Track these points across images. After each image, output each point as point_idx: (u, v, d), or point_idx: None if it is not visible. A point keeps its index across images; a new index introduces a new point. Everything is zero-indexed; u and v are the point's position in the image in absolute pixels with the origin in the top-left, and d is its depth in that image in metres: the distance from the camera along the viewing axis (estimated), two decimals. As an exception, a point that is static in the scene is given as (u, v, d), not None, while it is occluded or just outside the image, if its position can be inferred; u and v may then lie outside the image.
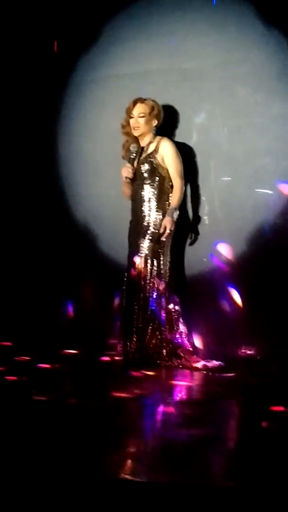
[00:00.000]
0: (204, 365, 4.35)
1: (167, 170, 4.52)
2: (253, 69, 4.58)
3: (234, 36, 4.64)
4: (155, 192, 4.53)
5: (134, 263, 4.52)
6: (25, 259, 5.36)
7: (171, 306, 4.53)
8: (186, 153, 4.64)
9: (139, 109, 4.55)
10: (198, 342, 4.65)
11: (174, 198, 4.48)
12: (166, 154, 4.49)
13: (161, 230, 4.44)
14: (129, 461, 2.52)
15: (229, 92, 4.66)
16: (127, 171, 4.54)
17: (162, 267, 4.52)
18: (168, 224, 4.43)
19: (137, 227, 4.57)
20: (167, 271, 4.54)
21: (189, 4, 4.75)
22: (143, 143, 4.62)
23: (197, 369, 4.33)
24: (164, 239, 4.47)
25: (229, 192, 4.66)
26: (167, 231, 4.43)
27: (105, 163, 5.07)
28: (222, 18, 4.66)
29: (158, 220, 4.51)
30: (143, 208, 4.55)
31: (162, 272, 4.51)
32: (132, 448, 2.71)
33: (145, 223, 4.53)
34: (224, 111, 4.66)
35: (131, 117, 4.57)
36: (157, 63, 4.88)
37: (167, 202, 4.55)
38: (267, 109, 4.54)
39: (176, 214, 4.46)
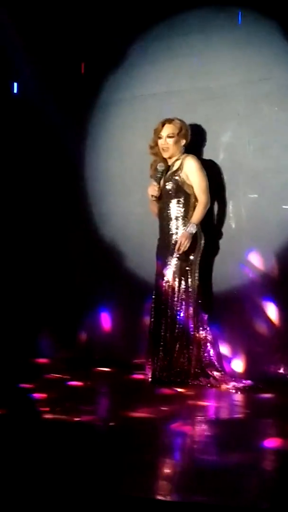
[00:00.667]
0: (234, 385, 4.32)
1: (192, 187, 4.55)
2: (277, 86, 4.59)
3: (258, 54, 4.65)
4: (182, 210, 4.54)
5: (162, 281, 4.53)
6: (53, 277, 5.41)
7: (199, 324, 4.53)
8: (213, 171, 4.65)
9: (167, 130, 4.59)
10: (227, 360, 4.62)
11: (196, 213, 4.48)
12: (190, 171, 4.51)
13: (177, 245, 4.44)
14: (161, 482, 2.51)
15: (254, 110, 4.67)
16: (153, 189, 4.57)
17: (190, 284, 4.52)
18: (183, 238, 4.43)
19: (164, 245, 4.59)
20: (196, 288, 4.54)
21: (213, 23, 4.79)
22: (170, 161, 4.65)
23: (226, 388, 4.31)
24: (178, 254, 4.45)
25: (256, 209, 4.65)
26: (183, 245, 4.42)
27: (131, 182, 5.11)
28: (246, 36, 4.69)
29: (181, 239, 4.52)
30: (170, 226, 4.56)
31: (190, 289, 4.51)
32: (164, 468, 2.69)
33: (173, 241, 4.54)
34: (250, 129, 4.67)
35: (160, 138, 4.61)
36: (182, 83, 4.92)
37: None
38: (292, 126, 4.54)
39: (194, 228, 4.45)
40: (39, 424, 3.29)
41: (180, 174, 4.55)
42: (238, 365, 4.61)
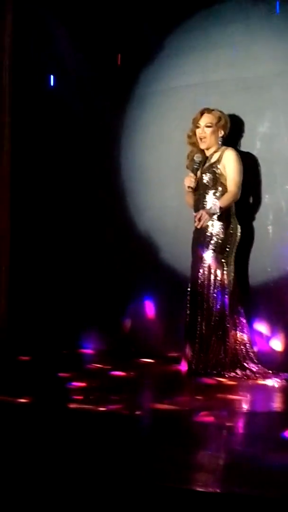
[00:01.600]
0: (271, 377, 4.29)
1: (229, 179, 4.52)
2: (316, 76, 4.52)
3: (296, 44, 4.59)
4: (218, 202, 4.52)
5: (198, 273, 4.52)
6: (90, 270, 5.44)
7: (235, 316, 4.50)
8: (250, 162, 4.60)
9: (206, 119, 4.56)
10: (264, 354, 4.58)
11: (223, 199, 4.41)
12: (228, 163, 4.47)
13: (197, 218, 4.38)
14: (201, 473, 2.50)
15: (292, 100, 4.61)
16: (189, 180, 4.55)
17: (225, 277, 4.49)
18: (202, 215, 4.36)
19: (200, 237, 4.57)
20: (231, 281, 4.51)
21: (251, 13, 4.73)
22: (207, 153, 4.62)
23: (262, 380, 4.27)
24: (198, 227, 4.39)
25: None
26: (202, 219, 4.36)
27: (167, 174, 5.09)
28: (284, 26, 4.62)
29: (222, 230, 4.49)
30: (206, 218, 4.54)
31: (226, 282, 4.48)
32: (203, 459, 2.69)
33: (208, 233, 4.52)
34: (287, 120, 4.60)
35: (198, 127, 4.58)
36: (218, 73, 4.88)
37: (231, 213, 4.53)
38: None
39: (216, 210, 4.38)
40: (66, 413, 3.30)
41: (218, 166, 4.51)
42: (276, 358, 4.57)
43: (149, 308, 5.17)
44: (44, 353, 5.05)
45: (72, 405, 3.45)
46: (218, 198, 4.50)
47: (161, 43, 5.09)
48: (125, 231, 5.30)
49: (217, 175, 4.50)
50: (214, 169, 4.52)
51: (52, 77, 5.68)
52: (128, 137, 5.30)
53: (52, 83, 5.68)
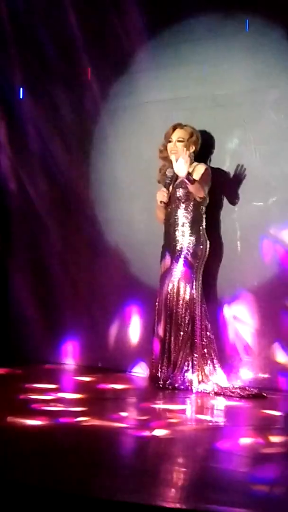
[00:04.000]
0: (238, 393, 4.30)
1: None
2: (285, 94, 4.58)
3: (266, 62, 4.64)
4: (189, 217, 4.54)
5: (167, 287, 4.52)
6: (56, 283, 5.40)
7: (203, 331, 4.51)
8: (220, 178, 4.64)
9: (178, 134, 4.60)
10: (230, 367, 4.60)
11: (195, 186, 4.41)
12: (197, 174, 4.50)
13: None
14: (167, 489, 2.48)
15: (260, 118, 4.66)
16: (162, 195, 4.57)
17: (194, 291, 4.50)
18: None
19: (169, 251, 4.58)
20: (199, 295, 4.52)
21: (221, 31, 4.78)
22: (179, 168, 4.65)
23: (229, 395, 4.28)
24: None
25: (261, 217, 4.64)
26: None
27: (137, 188, 5.10)
28: (254, 44, 4.68)
29: (192, 245, 4.51)
30: (176, 233, 4.55)
31: (194, 296, 4.50)
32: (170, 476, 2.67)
33: (178, 247, 4.53)
34: (257, 137, 4.66)
35: (170, 141, 4.61)
36: (188, 90, 4.91)
37: (201, 227, 4.56)
38: (299, 134, 4.54)
39: (191, 179, 4.39)
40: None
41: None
42: (243, 372, 4.59)
43: (116, 322, 5.15)
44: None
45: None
46: (189, 213, 4.53)
47: (132, 58, 5.11)
48: (94, 245, 5.29)
49: (189, 190, 4.53)
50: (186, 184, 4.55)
51: (21, 89, 5.65)
52: (98, 151, 5.29)
53: (21, 95, 5.65)
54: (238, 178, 4.63)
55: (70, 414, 3.57)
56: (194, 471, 2.74)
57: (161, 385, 4.41)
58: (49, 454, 2.83)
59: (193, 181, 4.40)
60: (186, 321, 4.47)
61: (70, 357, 5.33)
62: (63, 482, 2.46)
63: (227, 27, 4.77)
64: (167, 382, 4.40)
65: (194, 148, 4.62)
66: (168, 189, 4.58)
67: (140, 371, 4.90)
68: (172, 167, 4.61)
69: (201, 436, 3.37)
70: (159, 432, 3.29)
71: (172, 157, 4.55)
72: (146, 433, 3.27)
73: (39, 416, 3.47)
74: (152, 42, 5.03)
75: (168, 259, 4.59)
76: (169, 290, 4.52)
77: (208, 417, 3.86)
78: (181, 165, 4.36)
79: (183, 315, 4.49)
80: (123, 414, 3.67)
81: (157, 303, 4.61)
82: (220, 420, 3.86)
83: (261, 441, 3.20)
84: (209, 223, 4.62)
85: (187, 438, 3.30)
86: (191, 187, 4.43)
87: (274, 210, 4.59)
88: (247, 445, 3.17)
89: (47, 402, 3.85)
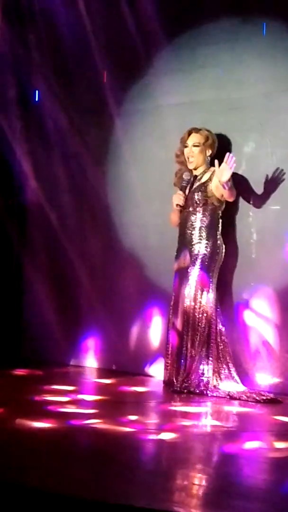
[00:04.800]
0: (253, 397, 4.28)
1: (218, 200, 4.55)
2: (302, 98, 4.57)
3: (282, 65, 4.64)
4: (206, 221, 4.54)
5: (183, 291, 4.52)
6: (73, 286, 5.42)
7: (218, 336, 4.50)
8: (235, 182, 4.63)
9: (193, 139, 4.59)
10: (246, 373, 4.58)
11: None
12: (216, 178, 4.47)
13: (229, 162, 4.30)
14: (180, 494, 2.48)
15: (277, 121, 4.65)
16: (178, 198, 4.56)
17: (210, 295, 4.50)
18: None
19: (183, 255, 4.57)
20: (214, 299, 4.52)
21: (238, 34, 4.78)
22: (196, 172, 4.65)
23: (245, 399, 4.27)
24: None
25: (278, 221, 4.62)
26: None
27: (152, 192, 5.10)
28: (270, 48, 4.67)
29: (208, 249, 4.51)
30: (192, 237, 4.55)
31: (210, 301, 4.49)
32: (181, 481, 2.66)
33: (195, 251, 4.53)
34: (273, 140, 4.64)
35: (186, 147, 4.61)
36: (205, 93, 4.91)
37: (218, 232, 4.56)
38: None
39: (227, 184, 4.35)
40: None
41: (210, 185, 4.54)
42: (259, 377, 4.57)
43: (131, 325, 5.15)
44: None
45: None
46: (206, 217, 4.53)
47: (149, 61, 5.11)
48: (110, 248, 5.30)
49: (207, 194, 4.53)
50: (205, 188, 4.54)
51: (37, 92, 5.68)
52: (114, 154, 5.30)
53: (37, 98, 5.68)
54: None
55: (82, 417, 3.57)
56: (211, 476, 2.73)
57: (177, 389, 4.40)
58: (54, 457, 2.83)
59: (230, 187, 4.37)
60: (203, 325, 4.47)
61: (85, 359, 5.34)
62: (68, 484, 2.45)
63: (243, 31, 4.77)
64: (183, 386, 4.40)
65: (210, 151, 4.62)
66: (184, 193, 4.58)
67: (156, 374, 4.88)
68: (189, 171, 4.60)
69: (216, 441, 3.36)
70: (172, 436, 3.29)
71: (190, 165, 4.55)
72: (159, 437, 3.27)
73: (50, 418, 3.47)
74: (169, 45, 5.03)
75: (182, 259, 4.58)
76: (185, 294, 4.52)
77: (223, 422, 3.84)
78: (226, 170, 4.32)
79: (199, 319, 4.48)
80: (135, 417, 3.65)
81: (171, 307, 4.60)
82: (235, 425, 3.84)
83: (276, 446, 3.18)
84: (224, 227, 4.61)
85: (201, 443, 3.28)
86: (226, 193, 4.40)
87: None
88: (262, 450, 3.15)
89: (61, 404, 3.86)
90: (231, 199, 4.50)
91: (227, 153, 4.34)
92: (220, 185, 4.38)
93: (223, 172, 4.31)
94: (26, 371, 4.95)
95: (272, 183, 4.59)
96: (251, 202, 4.66)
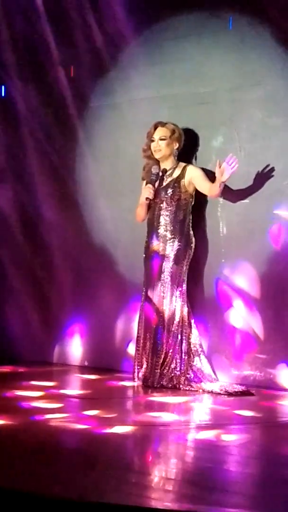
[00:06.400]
0: (225, 390, 4.32)
1: (190, 196, 4.58)
2: (269, 92, 4.59)
3: (250, 59, 4.65)
4: (177, 216, 4.55)
5: (153, 286, 4.53)
6: (42, 282, 5.39)
7: (189, 329, 4.53)
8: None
9: (160, 132, 4.60)
10: (218, 365, 4.62)
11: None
12: (196, 176, 4.53)
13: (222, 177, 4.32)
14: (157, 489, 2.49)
15: (245, 116, 4.67)
16: (148, 191, 4.56)
17: (181, 290, 4.52)
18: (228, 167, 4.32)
19: (152, 250, 4.58)
20: (185, 294, 4.54)
21: (204, 28, 4.78)
22: (164, 166, 4.65)
23: (217, 393, 4.30)
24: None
25: (247, 215, 4.66)
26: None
27: (122, 187, 5.09)
28: (238, 42, 4.68)
29: (180, 244, 4.53)
30: (160, 232, 4.56)
31: (181, 295, 4.51)
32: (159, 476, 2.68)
33: (166, 246, 4.54)
34: (241, 134, 4.67)
35: (152, 141, 4.61)
36: (173, 88, 4.91)
37: (188, 227, 4.58)
38: (284, 132, 4.55)
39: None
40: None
41: (182, 181, 4.56)
42: (229, 369, 4.61)
43: (102, 320, 5.15)
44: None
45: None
46: (177, 212, 4.54)
47: (116, 56, 5.09)
48: (81, 244, 5.27)
49: (179, 190, 4.55)
50: (176, 184, 4.56)
51: (3, 87, 5.61)
52: (81, 150, 5.28)
53: (3, 93, 5.62)
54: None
55: (46, 412, 3.56)
56: (184, 470, 2.75)
57: (149, 384, 4.42)
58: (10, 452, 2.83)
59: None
60: (174, 320, 4.49)
61: (57, 356, 5.33)
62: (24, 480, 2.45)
63: (211, 25, 4.77)
64: (155, 380, 4.41)
65: (177, 145, 4.63)
66: (154, 186, 4.58)
67: (128, 370, 4.89)
68: (157, 164, 4.60)
69: (188, 435, 3.38)
70: (142, 431, 3.30)
71: (156, 155, 4.56)
72: (127, 431, 3.27)
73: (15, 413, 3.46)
74: (136, 40, 5.01)
75: (153, 257, 4.58)
76: (155, 289, 4.53)
77: (195, 416, 3.87)
78: (227, 170, 4.31)
79: (171, 313, 4.50)
80: (96, 411, 3.65)
81: (142, 303, 4.61)
82: (207, 418, 3.87)
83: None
84: (194, 222, 4.62)
85: (170, 437, 3.30)
86: (216, 191, 4.42)
87: (260, 207, 4.60)
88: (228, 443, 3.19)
89: (31, 399, 3.87)
90: (217, 197, 4.52)
91: (230, 154, 4.34)
92: (218, 187, 4.38)
93: (223, 172, 4.33)
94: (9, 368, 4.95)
95: (241, 177, 4.62)
96: (220, 197, 4.68)
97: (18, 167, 5.49)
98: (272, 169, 4.54)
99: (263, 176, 4.57)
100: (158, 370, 4.44)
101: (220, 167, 4.33)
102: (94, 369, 5.02)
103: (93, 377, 4.81)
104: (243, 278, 4.61)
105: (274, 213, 4.53)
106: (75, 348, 5.28)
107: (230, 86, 4.72)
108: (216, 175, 4.39)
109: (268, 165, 4.53)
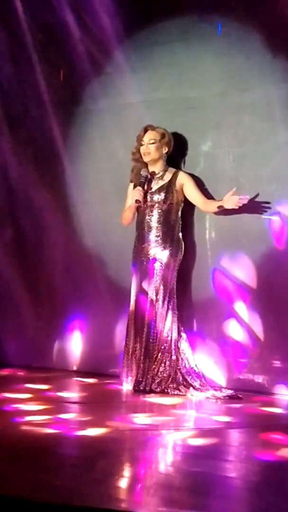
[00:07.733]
0: (213, 394, 4.32)
1: (181, 200, 4.60)
2: (258, 97, 4.61)
3: (239, 64, 4.67)
4: (164, 221, 4.56)
5: (140, 289, 4.53)
6: (32, 285, 5.38)
7: (178, 334, 4.53)
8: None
9: (149, 136, 4.61)
10: (207, 370, 4.62)
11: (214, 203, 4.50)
12: (188, 185, 4.56)
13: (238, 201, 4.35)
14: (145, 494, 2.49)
15: (234, 120, 4.68)
16: (138, 194, 4.55)
17: (168, 294, 4.52)
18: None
19: (142, 252, 4.58)
20: (174, 298, 4.54)
21: (194, 33, 4.79)
22: (153, 168, 4.66)
23: (206, 397, 4.31)
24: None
25: (234, 219, 4.66)
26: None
27: (111, 191, 5.09)
28: (227, 47, 4.70)
29: (169, 248, 4.55)
30: (151, 236, 4.57)
31: (169, 299, 4.51)
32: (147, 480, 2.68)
33: (150, 249, 4.55)
34: (230, 139, 4.68)
35: (142, 144, 4.62)
36: (162, 92, 4.92)
37: (177, 231, 4.59)
38: (272, 137, 4.56)
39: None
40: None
41: (173, 186, 4.58)
42: (218, 374, 4.61)
43: (91, 324, 5.14)
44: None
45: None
46: (165, 217, 4.55)
47: (105, 60, 5.10)
48: (70, 247, 5.27)
49: (169, 195, 4.56)
50: (169, 189, 4.57)
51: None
52: (70, 154, 5.28)
53: None
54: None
55: (27, 414, 3.57)
56: (171, 475, 2.75)
57: (136, 388, 4.42)
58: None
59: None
60: (163, 324, 4.49)
61: (45, 360, 5.31)
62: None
63: (200, 30, 4.78)
64: (144, 385, 4.41)
65: (167, 149, 4.64)
66: (143, 188, 4.58)
67: (117, 374, 4.88)
68: (146, 167, 4.60)
69: (175, 439, 3.38)
70: (123, 435, 3.30)
71: (145, 158, 4.58)
72: (104, 434, 3.26)
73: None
74: (126, 44, 5.03)
75: (141, 260, 4.58)
76: (143, 293, 4.53)
77: (181, 421, 3.86)
78: (233, 202, 4.35)
79: (158, 318, 4.49)
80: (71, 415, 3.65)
81: (131, 306, 4.61)
82: (194, 423, 3.87)
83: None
84: (182, 226, 4.63)
85: (160, 442, 3.29)
86: (213, 210, 4.50)
87: (248, 212, 4.60)
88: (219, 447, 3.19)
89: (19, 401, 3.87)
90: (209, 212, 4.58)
91: (247, 196, 4.36)
92: (216, 207, 4.46)
93: (230, 202, 4.36)
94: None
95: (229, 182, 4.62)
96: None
97: (7, 171, 5.48)
98: (261, 174, 4.55)
99: (251, 181, 4.58)
100: (147, 375, 4.43)
101: (233, 194, 4.34)
102: (84, 373, 5.00)
103: (89, 380, 4.80)
104: (232, 281, 4.62)
105: (263, 218, 4.54)
106: (64, 352, 5.26)
107: (219, 91, 4.73)
108: (224, 197, 4.39)
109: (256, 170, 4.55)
